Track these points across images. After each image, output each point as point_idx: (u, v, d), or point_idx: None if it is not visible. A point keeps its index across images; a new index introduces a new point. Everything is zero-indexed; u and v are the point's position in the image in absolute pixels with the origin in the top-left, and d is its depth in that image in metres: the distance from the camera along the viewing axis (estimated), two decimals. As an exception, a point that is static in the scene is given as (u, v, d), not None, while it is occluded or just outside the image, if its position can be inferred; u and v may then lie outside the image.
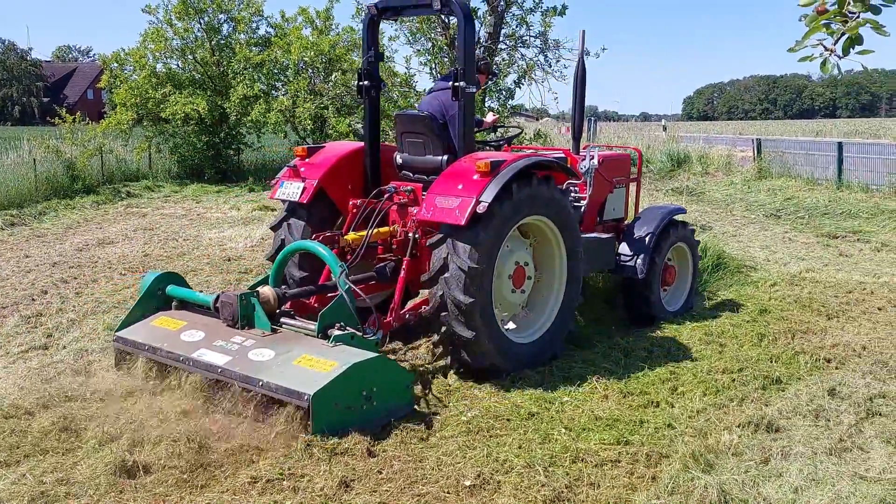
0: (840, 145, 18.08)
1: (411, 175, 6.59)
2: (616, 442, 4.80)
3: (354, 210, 6.43)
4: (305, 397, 4.61)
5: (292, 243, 6.09)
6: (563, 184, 6.56)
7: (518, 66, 18.74)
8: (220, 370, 5.09)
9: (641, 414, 5.30)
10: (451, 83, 6.14)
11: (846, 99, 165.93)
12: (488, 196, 5.52)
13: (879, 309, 8.11)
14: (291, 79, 19.64)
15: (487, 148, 7.21)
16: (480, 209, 5.49)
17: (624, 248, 7.52)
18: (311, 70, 19.58)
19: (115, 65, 20.50)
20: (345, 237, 6.11)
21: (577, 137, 7.47)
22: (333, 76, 18.74)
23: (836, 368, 6.29)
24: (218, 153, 21.01)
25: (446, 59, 18.31)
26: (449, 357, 6.07)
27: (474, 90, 6.13)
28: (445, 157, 6.33)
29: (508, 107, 18.58)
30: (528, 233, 6.40)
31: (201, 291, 6.27)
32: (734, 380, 5.92)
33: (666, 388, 5.76)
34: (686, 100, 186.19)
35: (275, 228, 6.73)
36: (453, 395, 5.63)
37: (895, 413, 5.31)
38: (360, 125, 19.22)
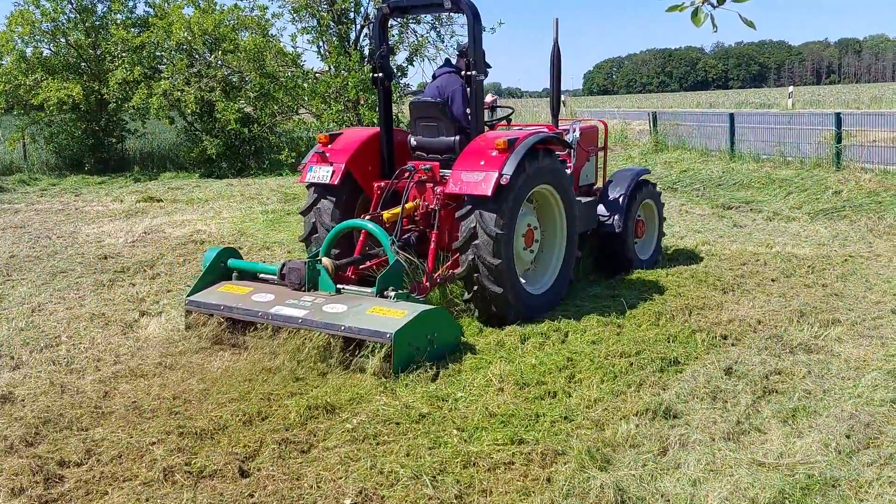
0: (731, 116, 18.39)
1: (425, 155, 7.40)
2: (510, 441, 4.50)
3: (379, 191, 7.18)
4: (388, 335, 5.42)
5: (345, 221, 6.79)
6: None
7: (409, 44, 18.32)
8: (300, 321, 5.81)
9: (538, 407, 5.03)
10: (446, 69, 7.48)
11: (737, 70, 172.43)
12: (509, 169, 6.37)
13: (773, 280, 8.13)
14: (172, 61, 18.64)
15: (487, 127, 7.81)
16: (504, 181, 6.33)
17: (602, 208, 8.50)
18: (194, 51, 18.62)
19: (-19, 50, 19.06)
20: (382, 215, 6.86)
21: (555, 114, 8.18)
22: (213, 56, 17.85)
23: (733, 345, 6.19)
24: (99, 142, 19.83)
25: (335, 38, 17.76)
26: (468, 292, 6.72)
27: (483, 78, 7.03)
28: (458, 138, 7.18)
29: (402, 85, 18.17)
30: (533, 199, 7.14)
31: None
32: (632, 364, 5.72)
33: (563, 377, 5.51)
34: (586, 74, 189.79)
35: (305, 213, 7.47)
36: (343, 395, 5.24)
37: (790, 390, 5.23)
38: (248, 108, 18.46)
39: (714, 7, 2.44)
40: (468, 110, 7.26)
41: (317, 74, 18.90)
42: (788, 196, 13.34)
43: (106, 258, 9.71)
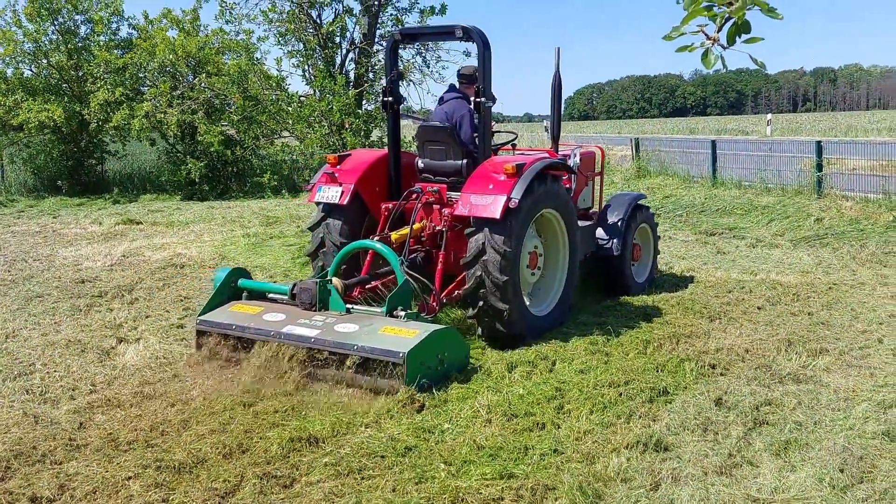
0: (714, 143, 18.49)
1: (432, 177, 7.53)
2: (499, 476, 4.39)
3: (386, 212, 7.35)
4: (400, 355, 5.50)
5: (355, 242, 6.92)
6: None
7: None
8: (312, 340, 5.85)
9: (526, 439, 4.92)
10: (454, 94, 7.67)
11: (715, 97, 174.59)
12: (518, 193, 6.54)
13: (759, 308, 8.09)
14: (156, 83, 18.54)
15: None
16: (512, 205, 6.50)
17: (601, 232, 8.68)
18: (177, 73, 18.51)
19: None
20: (390, 236, 7.05)
21: (555, 139, 8.30)
22: (197, 79, 17.77)
23: (722, 375, 6.12)
24: (79, 163, 19.61)
25: (320, 62, 17.70)
26: (479, 329, 6.91)
27: (491, 105, 7.18)
28: (465, 161, 7.33)
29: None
30: (537, 222, 7.28)
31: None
32: (621, 394, 5.63)
33: (552, 408, 5.40)
34: (567, 100, 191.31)
35: (313, 228, 7.56)
36: (327, 426, 5.09)
37: (781, 422, 5.15)
38: (231, 130, 18.35)
39: (724, 48, 2.36)
40: (475, 135, 7.45)
41: (301, 98, 18.83)
42: (771, 223, 13.37)
43: (83, 282, 9.52)
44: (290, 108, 18.44)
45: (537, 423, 5.16)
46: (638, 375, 6.01)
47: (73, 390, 5.83)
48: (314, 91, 18.51)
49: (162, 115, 18.12)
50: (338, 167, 7.49)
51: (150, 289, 9.19)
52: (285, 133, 19.85)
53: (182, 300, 8.61)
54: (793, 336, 7.04)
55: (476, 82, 7.37)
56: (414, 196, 7.31)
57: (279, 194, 18.76)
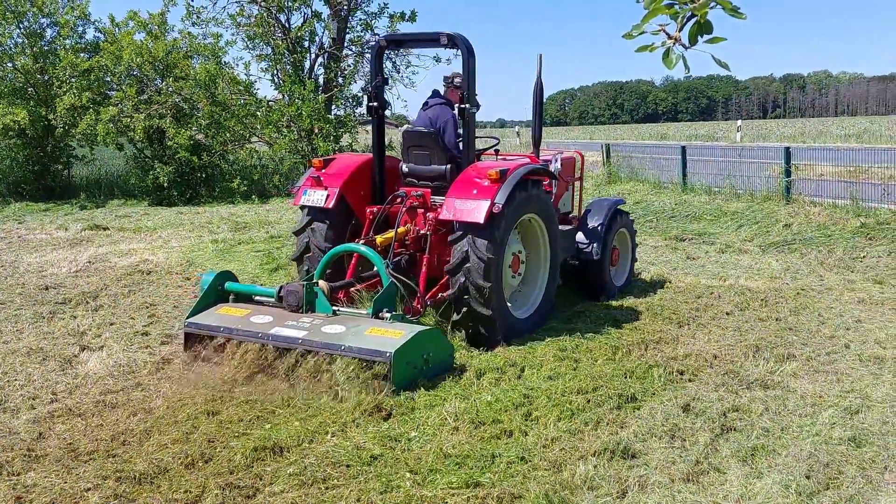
0: (683, 149, 18.63)
1: (416, 182, 7.61)
2: (465, 485, 4.34)
3: (371, 216, 7.41)
4: (387, 355, 5.59)
5: (340, 245, 7.00)
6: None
7: (364, 73, 18.26)
8: (300, 341, 5.91)
9: (494, 447, 4.88)
10: (438, 100, 7.73)
11: (686, 103, 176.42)
12: (501, 198, 6.65)
13: (727, 314, 8.13)
14: (122, 87, 18.29)
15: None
16: (496, 210, 6.59)
17: (581, 236, 8.78)
18: (144, 77, 18.29)
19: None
20: (375, 239, 7.10)
21: (536, 144, 8.39)
22: (164, 83, 17.56)
23: (690, 381, 6.13)
24: (45, 168, 19.30)
25: (289, 67, 17.59)
26: (457, 314, 6.88)
27: (475, 111, 7.32)
28: (449, 166, 7.41)
29: (357, 115, 18.07)
30: (519, 226, 7.34)
31: None
32: (589, 400, 5.61)
33: (519, 415, 5.37)
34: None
35: (298, 233, 7.59)
36: (292, 435, 5.02)
37: (748, 428, 5.17)
38: (201, 136, 18.18)
39: (686, 48, 2.32)
40: (459, 140, 7.57)
41: (270, 103, 18.68)
42: (740, 229, 13.48)
43: (47, 289, 9.34)
44: (258, 113, 18.29)
45: (505, 431, 5.13)
46: (606, 382, 6.00)
47: (33, 399, 5.70)
48: (283, 96, 18.40)
49: (128, 120, 17.89)
50: (323, 171, 7.53)
51: (115, 296, 9.04)
52: (254, 138, 19.69)
53: (147, 307, 8.48)
54: (761, 342, 7.08)
55: (459, 87, 7.50)
56: (398, 200, 7.40)
57: (249, 199, 18.61)
